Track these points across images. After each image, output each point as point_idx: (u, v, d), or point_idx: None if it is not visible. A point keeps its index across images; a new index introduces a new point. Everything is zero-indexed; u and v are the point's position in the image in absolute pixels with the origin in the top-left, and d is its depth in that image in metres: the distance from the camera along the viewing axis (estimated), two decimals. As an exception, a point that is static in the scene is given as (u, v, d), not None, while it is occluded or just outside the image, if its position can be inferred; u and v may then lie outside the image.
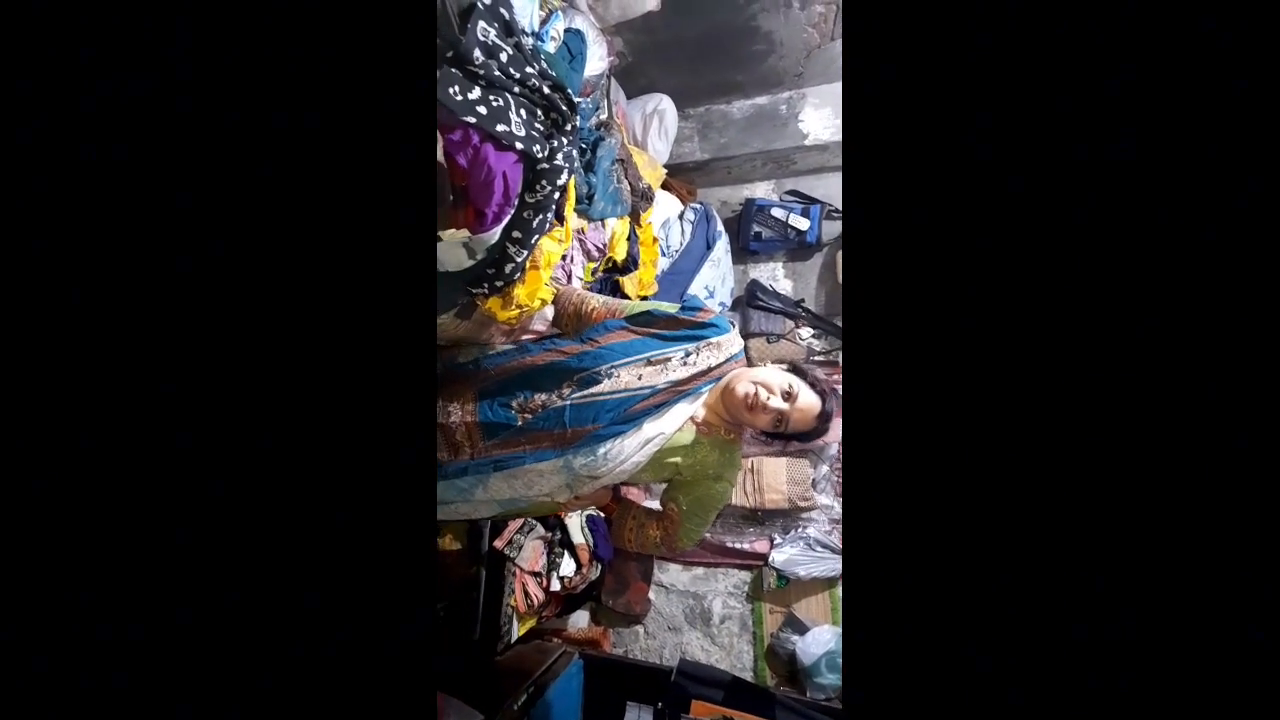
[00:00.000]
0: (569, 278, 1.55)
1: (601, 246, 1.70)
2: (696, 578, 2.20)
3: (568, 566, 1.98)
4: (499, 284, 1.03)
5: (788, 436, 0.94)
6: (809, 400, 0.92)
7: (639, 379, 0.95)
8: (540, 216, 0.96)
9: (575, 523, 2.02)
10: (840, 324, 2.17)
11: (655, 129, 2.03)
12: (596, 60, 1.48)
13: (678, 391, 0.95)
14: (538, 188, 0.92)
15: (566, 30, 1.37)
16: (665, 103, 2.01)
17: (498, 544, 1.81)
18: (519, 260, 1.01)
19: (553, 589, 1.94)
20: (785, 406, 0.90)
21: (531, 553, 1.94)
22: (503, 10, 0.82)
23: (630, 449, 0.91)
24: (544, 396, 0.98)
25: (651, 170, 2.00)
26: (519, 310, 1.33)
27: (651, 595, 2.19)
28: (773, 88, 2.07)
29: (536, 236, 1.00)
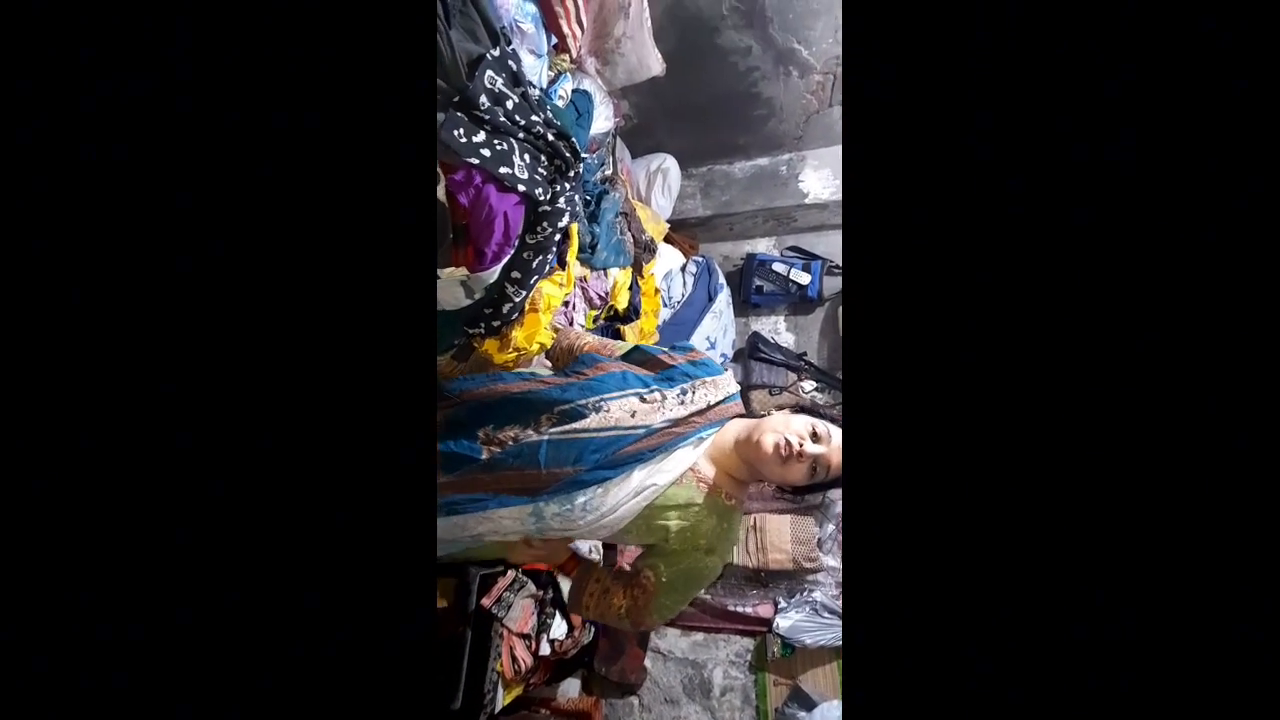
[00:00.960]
0: (570, 324, 1.56)
1: (604, 295, 1.71)
2: (696, 644, 2.07)
3: (559, 628, 1.87)
4: (496, 324, 1.02)
5: (826, 485, 0.82)
6: (839, 438, 0.81)
7: (631, 416, 0.82)
8: (540, 258, 0.97)
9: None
10: (842, 379, 2.15)
11: (659, 186, 2.10)
12: (603, 120, 1.54)
13: (676, 434, 0.82)
14: (539, 229, 0.94)
15: (574, 90, 1.43)
16: (669, 162, 2.09)
17: (485, 602, 1.71)
18: (517, 300, 1.00)
19: (542, 653, 1.82)
20: (822, 450, 0.79)
21: (521, 612, 1.84)
22: (511, 63, 0.86)
23: (616, 500, 0.78)
24: (516, 430, 0.83)
25: (655, 224, 2.05)
26: (516, 353, 1.32)
27: (648, 663, 2.05)
28: (773, 150, 2.15)
29: (536, 278, 1.00)
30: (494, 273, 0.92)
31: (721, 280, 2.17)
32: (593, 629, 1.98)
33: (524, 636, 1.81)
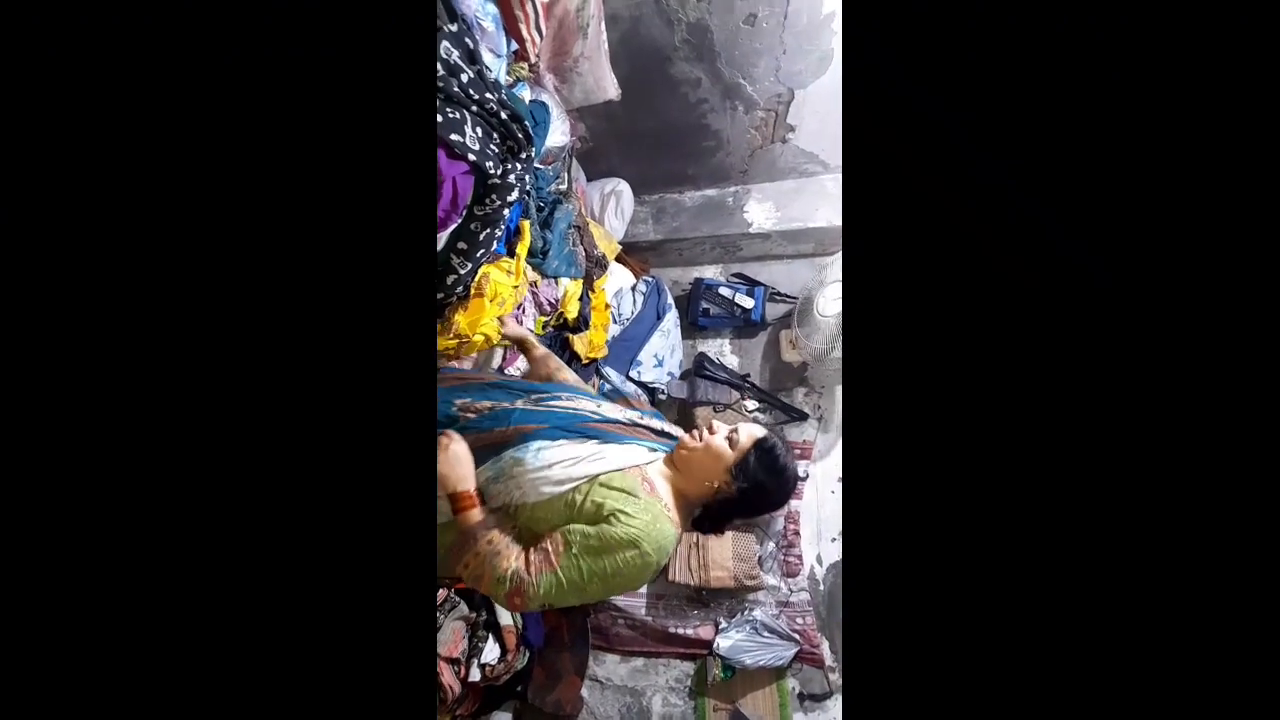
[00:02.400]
0: (522, 327, 1.55)
1: (554, 302, 1.73)
2: (635, 671, 1.98)
3: (491, 652, 1.76)
4: (440, 297, 1.01)
5: (751, 493, 0.84)
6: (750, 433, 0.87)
7: (597, 407, 0.89)
8: (487, 231, 0.98)
9: (504, 602, 1.82)
10: (783, 400, 2.21)
11: (612, 208, 2.17)
12: (559, 134, 1.60)
13: (633, 432, 0.87)
14: (487, 201, 0.95)
15: (533, 101, 1.49)
16: (623, 186, 2.17)
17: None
18: (462, 273, 1.00)
19: (472, 679, 1.70)
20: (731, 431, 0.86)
21: (451, 635, 1.72)
22: (468, 41, 0.90)
23: (566, 455, 0.79)
24: (493, 403, 0.88)
25: (607, 243, 2.11)
26: (457, 340, 1.30)
27: (585, 692, 1.95)
28: (721, 181, 2.27)
29: (483, 252, 1.01)
30: (440, 240, 0.92)
31: (670, 301, 2.23)
32: (526, 654, 1.87)
33: (452, 661, 1.69)
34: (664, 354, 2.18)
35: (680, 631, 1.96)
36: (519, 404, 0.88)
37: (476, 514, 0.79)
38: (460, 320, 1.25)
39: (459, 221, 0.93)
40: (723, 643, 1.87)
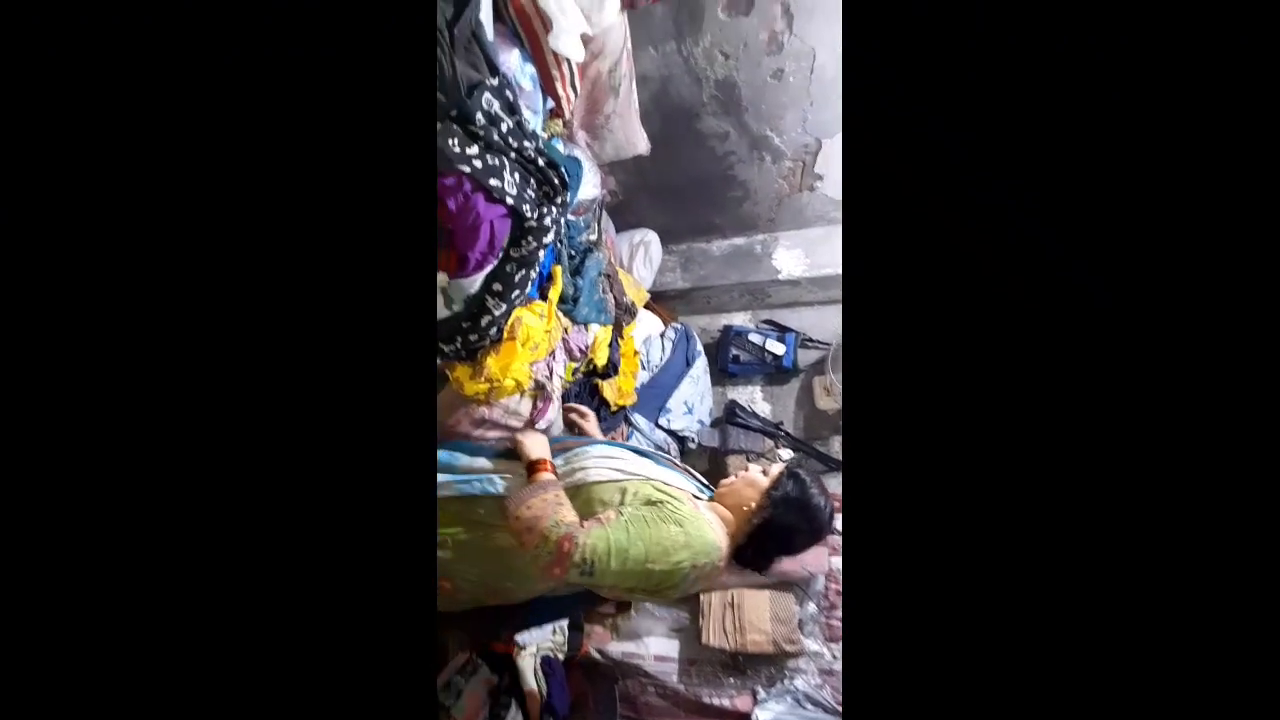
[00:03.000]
0: (550, 374, 1.55)
1: (584, 348, 1.73)
2: (666, 746, 1.83)
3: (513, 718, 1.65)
4: (473, 338, 1.01)
5: (786, 517, 0.88)
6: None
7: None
8: (523, 272, 0.99)
9: (529, 664, 1.73)
10: (818, 449, 2.13)
11: (641, 257, 2.21)
12: (591, 186, 1.65)
13: (684, 469, 0.99)
14: (523, 243, 0.96)
15: (565, 155, 1.55)
16: (651, 236, 2.21)
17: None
18: (496, 315, 1.00)
19: (492, 750, 1.59)
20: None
21: (470, 704, 1.63)
22: (508, 93, 0.94)
23: (601, 454, 0.90)
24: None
25: (636, 291, 2.13)
26: (488, 385, 1.29)
27: (611, 769, 1.80)
28: (748, 230, 2.30)
29: (518, 293, 1.01)
30: (475, 282, 0.93)
31: (699, 348, 2.22)
32: (551, 722, 1.75)
33: None
34: (694, 401, 2.13)
35: (715, 702, 1.82)
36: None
37: (549, 475, 0.89)
38: (492, 364, 1.24)
39: (495, 263, 0.94)
40: (762, 715, 1.72)
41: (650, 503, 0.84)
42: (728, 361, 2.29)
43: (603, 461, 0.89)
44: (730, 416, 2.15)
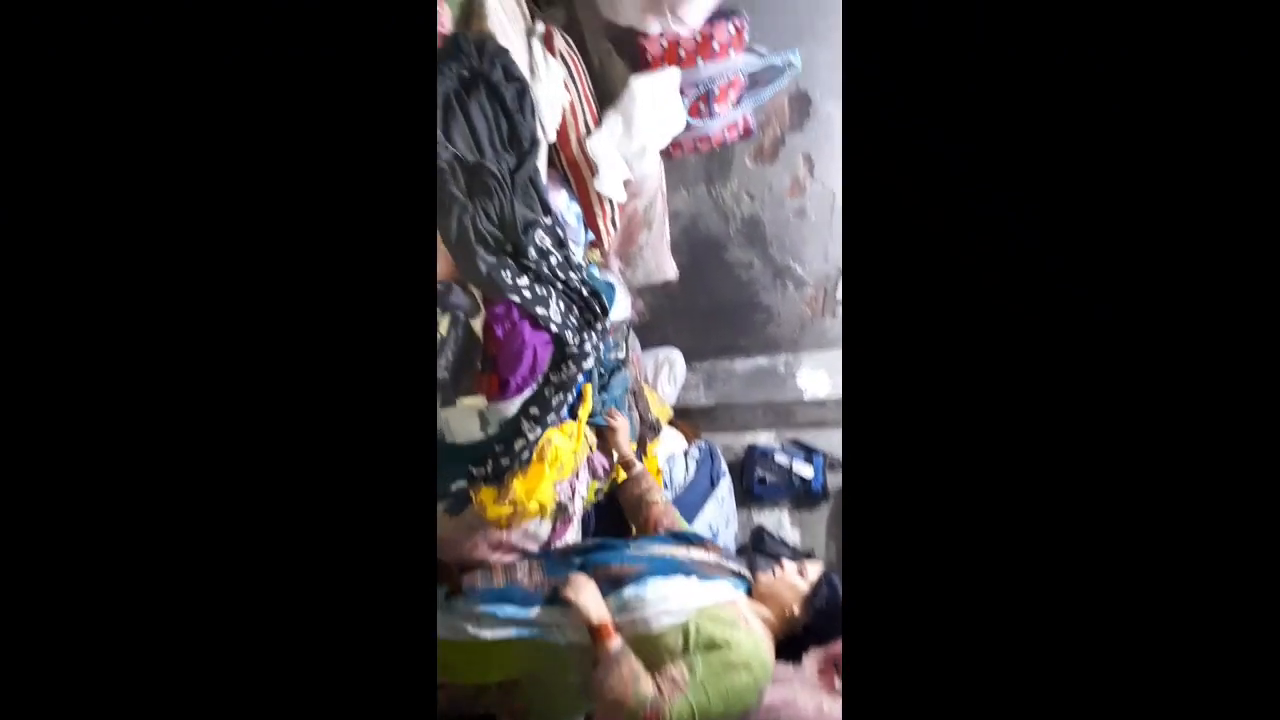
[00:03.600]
0: (573, 494, 1.50)
1: (607, 467, 1.69)
2: None
3: None
4: (505, 462, 0.99)
5: (824, 620, 0.96)
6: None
7: (687, 551, 1.09)
8: (560, 396, 0.99)
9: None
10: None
11: (665, 375, 2.23)
12: (621, 309, 1.73)
13: (720, 571, 1.02)
14: (563, 368, 0.98)
15: (602, 280, 1.64)
16: (676, 355, 2.26)
17: None
18: (531, 439, 0.99)
19: None
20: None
21: None
22: (559, 230, 1.01)
23: (675, 590, 0.92)
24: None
25: (660, 408, 2.12)
26: (512, 509, 1.24)
27: None
28: (772, 350, 2.34)
29: (553, 417, 1.01)
30: (513, 405, 0.93)
31: (724, 467, 2.15)
32: None
33: None
34: (719, 525, 2.03)
35: None
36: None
37: (617, 642, 0.89)
38: (518, 487, 1.21)
39: (535, 387, 0.95)
40: None
41: (714, 646, 0.87)
42: (753, 483, 2.21)
43: (659, 605, 0.91)
44: (758, 544, 2.03)
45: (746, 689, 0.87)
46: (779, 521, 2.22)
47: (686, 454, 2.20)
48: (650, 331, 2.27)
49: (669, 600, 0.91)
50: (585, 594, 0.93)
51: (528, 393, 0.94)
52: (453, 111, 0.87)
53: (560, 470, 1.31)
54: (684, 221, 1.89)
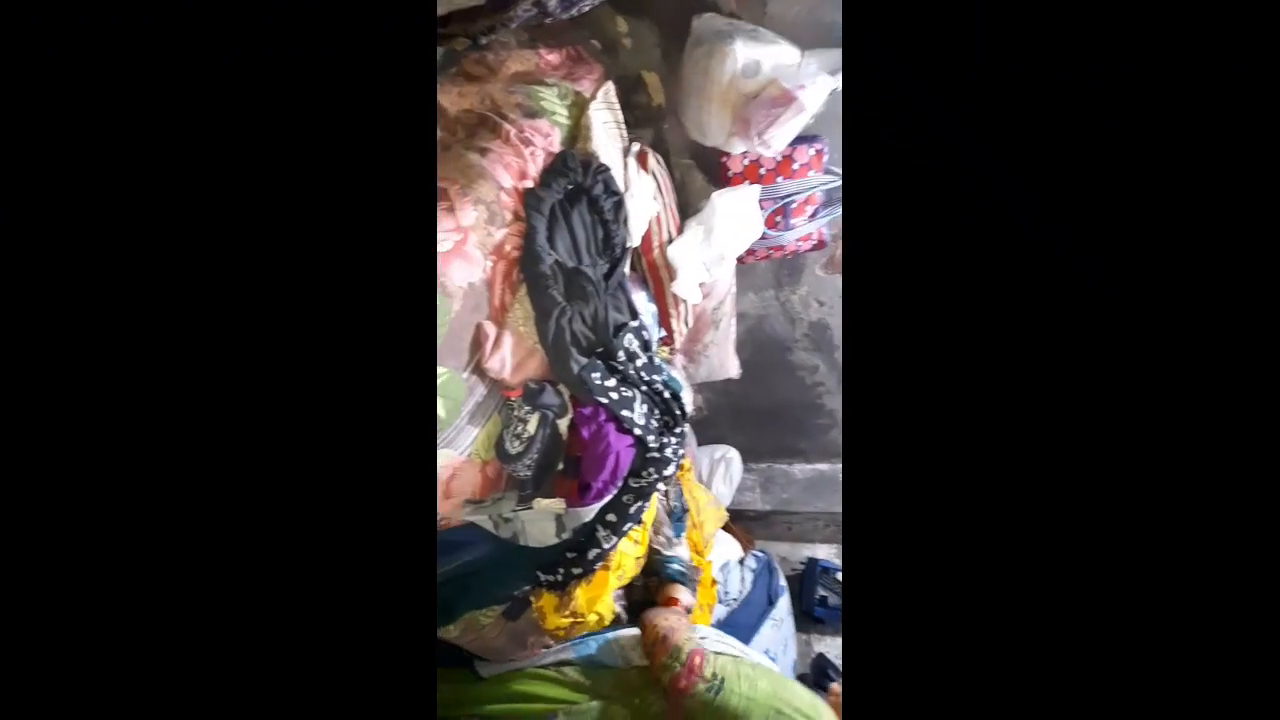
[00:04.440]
0: (627, 602, 1.40)
1: (661, 575, 1.59)
2: None
3: None
4: (575, 571, 0.94)
5: None
6: None
7: None
8: (638, 504, 0.95)
9: None
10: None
11: (720, 474, 2.15)
12: (686, 404, 1.70)
13: None
14: (643, 474, 0.94)
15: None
16: (732, 453, 2.18)
17: None
18: (605, 547, 0.94)
19: None
20: None
21: None
22: (645, 333, 1.02)
23: (716, 635, 0.94)
24: None
25: (715, 510, 2.02)
26: (571, 620, 1.16)
27: None
28: (833, 458, 2.23)
29: (629, 526, 0.96)
30: (592, 511, 0.89)
31: (782, 583, 1.99)
32: None
33: None
34: (776, 650, 1.84)
35: None
36: None
37: (682, 610, 0.95)
38: (581, 596, 1.13)
39: (614, 494, 0.92)
40: None
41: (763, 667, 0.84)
42: (813, 604, 2.02)
43: (718, 641, 0.89)
44: (820, 677, 1.82)
45: (800, 699, 0.77)
46: (841, 650, 2.00)
47: (742, 563, 2.06)
48: (706, 428, 2.22)
49: (728, 644, 0.90)
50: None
51: (607, 498, 0.91)
52: (557, 221, 0.92)
53: (621, 577, 1.23)
54: (750, 322, 1.90)
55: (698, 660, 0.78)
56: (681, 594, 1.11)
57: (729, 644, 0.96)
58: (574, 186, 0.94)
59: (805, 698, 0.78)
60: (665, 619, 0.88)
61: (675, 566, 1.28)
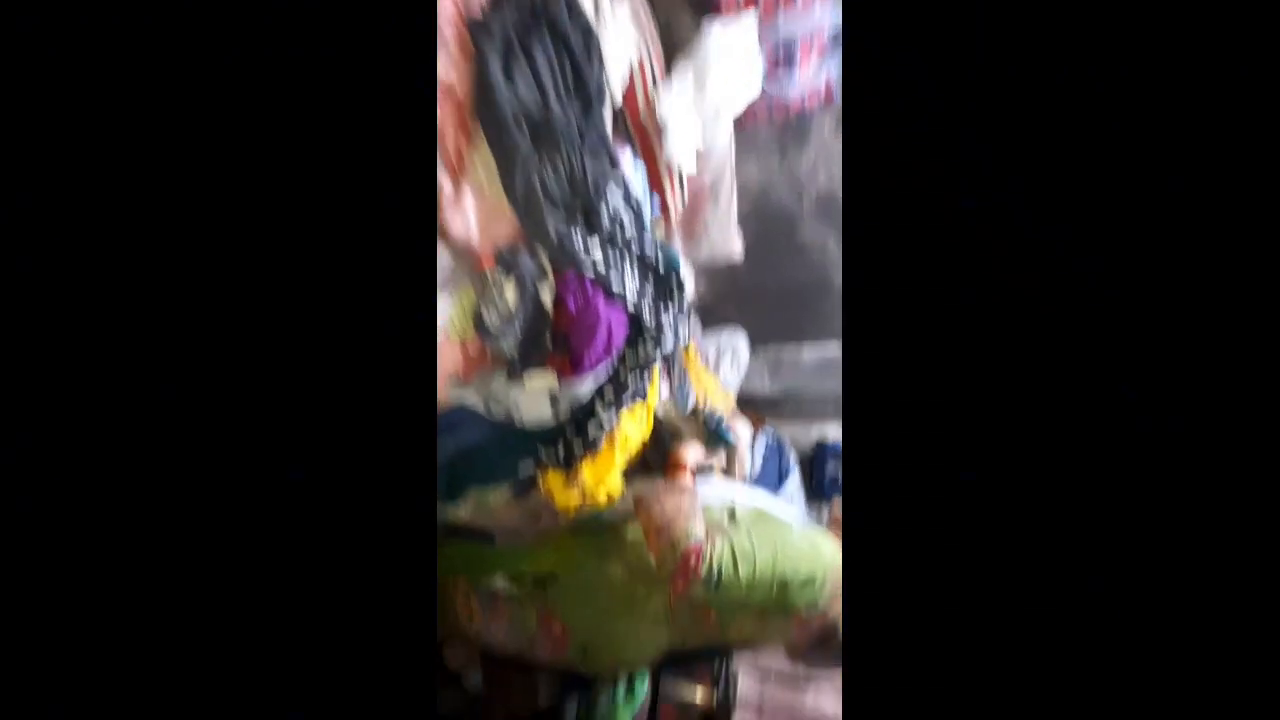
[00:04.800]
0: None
1: (670, 458, 1.59)
2: None
3: None
4: (576, 449, 0.90)
5: None
6: None
7: None
8: (635, 381, 0.89)
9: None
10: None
11: (728, 359, 2.11)
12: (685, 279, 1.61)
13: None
14: (639, 348, 0.88)
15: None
16: (740, 340, 2.13)
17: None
18: (605, 423, 0.90)
19: None
20: None
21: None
22: (633, 194, 0.91)
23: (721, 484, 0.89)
24: None
25: (722, 396, 2.00)
26: (581, 498, 1.16)
27: None
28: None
29: (628, 402, 0.91)
30: (586, 386, 0.84)
31: (793, 461, 2.01)
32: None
33: None
34: (787, 524, 1.89)
35: None
36: None
37: (689, 482, 0.86)
38: (588, 474, 1.12)
39: (609, 368, 0.86)
40: None
41: (764, 519, 0.82)
42: (824, 482, 2.05)
43: (717, 489, 0.86)
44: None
45: (801, 553, 0.76)
46: (852, 521, 2.06)
47: (754, 443, 2.07)
48: (711, 315, 2.15)
49: (729, 492, 0.86)
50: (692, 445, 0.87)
51: (602, 372, 0.85)
52: (514, 54, 0.78)
53: (625, 451, 1.22)
54: (753, 196, 1.75)
55: (693, 561, 0.75)
56: (691, 453, 1.01)
57: (735, 496, 0.90)
58: (531, 13, 0.79)
59: (805, 553, 0.77)
60: (664, 504, 0.80)
61: (718, 419, 1.24)
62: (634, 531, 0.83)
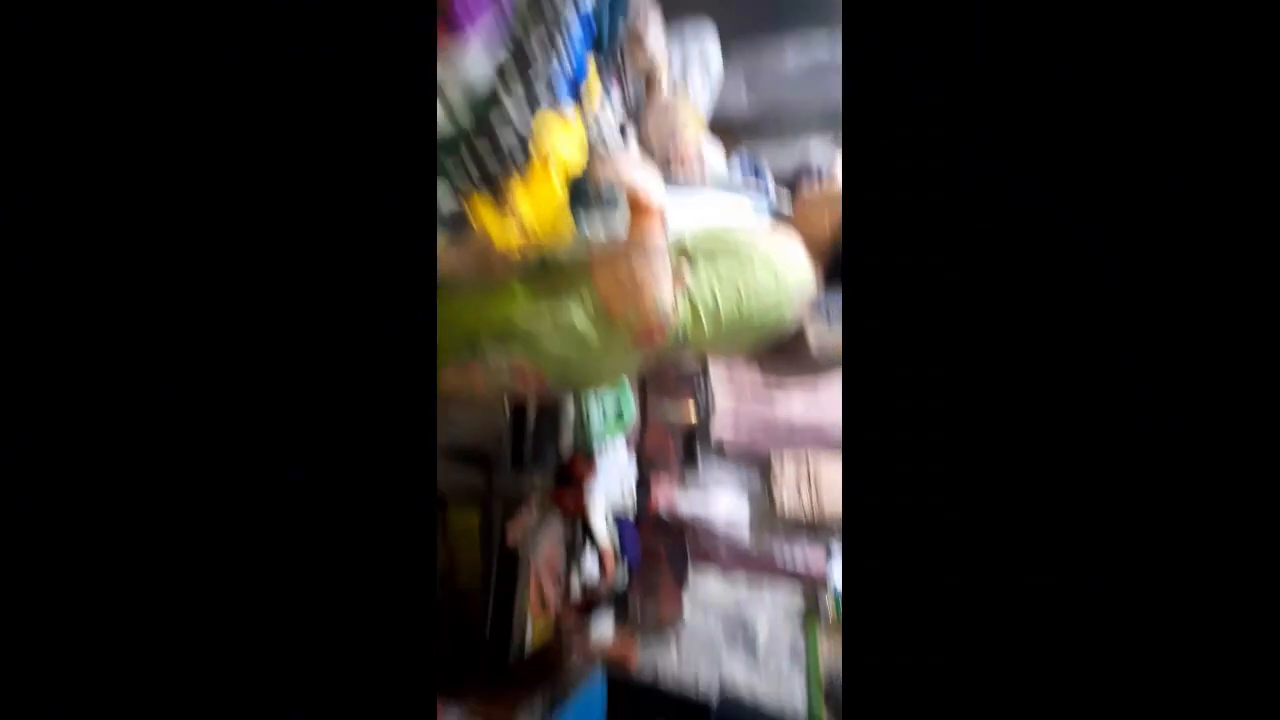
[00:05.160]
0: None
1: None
2: (739, 594, 1.85)
3: (590, 567, 1.71)
4: (489, 162, 0.76)
5: None
6: None
7: None
8: (546, 56, 0.70)
9: (601, 522, 1.75)
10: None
11: (697, 69, 1.79)
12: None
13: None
14: (542, 7, 0.66)
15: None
16: (709, 36, 1.78)
17: (511, 536, 1.54)
18: (516, 118, 0.73)
19: (572, 595, 1.67)
20: None
21: (548, 550, 1.69)
22: None
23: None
24: None
25: (692, 115, 1.75)
26: (523, 233, 1.05)
27: (685, 603, 1.86)
28: (830, 23, 1.81)
29: (544, 90, 0.73)
30: (476, 55, 0.65)
31: (772, 187, 1.86)
32: (626, 574, 1.79)
33: (553, 574, 1.67)
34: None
35: (788, 566, 1.79)
36: None
37: (660, 238, 0.74)
38: (524, 203, 0.99)
39: (504, 36, 0.65)
40: (837, 572, 1.68)
41: (722, 249, 0.76)
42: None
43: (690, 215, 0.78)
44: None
45: (766, 290, 0.74)
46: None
47: (727, 169, 1.90)
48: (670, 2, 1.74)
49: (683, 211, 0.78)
50: (652, 180, 0.73)
51: (497, 45, 0.65)
52: None
53: (564, 173, 1.06)
54: None
55: (657, 336, 0.74)
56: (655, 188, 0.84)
57: (684, 223, 0.81)
58: None
59: (769, 287, 0.74)
60: (630, 273, 0.72)
61: None
62: (591, 284, 0.77)
